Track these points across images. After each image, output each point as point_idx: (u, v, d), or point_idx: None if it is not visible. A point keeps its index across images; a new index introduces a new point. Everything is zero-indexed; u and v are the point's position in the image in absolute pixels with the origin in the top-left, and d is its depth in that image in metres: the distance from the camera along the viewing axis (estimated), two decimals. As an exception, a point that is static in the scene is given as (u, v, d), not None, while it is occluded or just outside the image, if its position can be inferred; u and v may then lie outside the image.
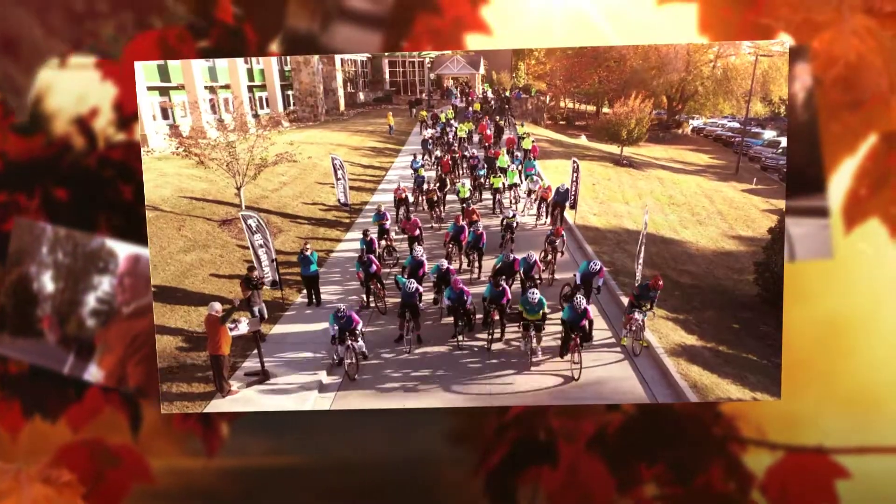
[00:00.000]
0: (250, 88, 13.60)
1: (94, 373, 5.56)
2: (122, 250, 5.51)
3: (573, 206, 11.51)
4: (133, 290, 5.57)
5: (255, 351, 7.56)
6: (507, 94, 16.16)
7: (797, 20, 5.14)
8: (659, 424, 5.47)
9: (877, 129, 5.09)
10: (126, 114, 5.40)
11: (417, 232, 9.80)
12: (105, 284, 5.55)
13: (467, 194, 11.18)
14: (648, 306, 7.91)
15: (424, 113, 15.18)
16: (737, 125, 14.13)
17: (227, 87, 12.97)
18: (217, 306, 7.11)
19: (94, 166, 5.37)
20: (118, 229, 5.55)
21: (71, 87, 5.22)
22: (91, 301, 5.55)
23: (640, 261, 8.85)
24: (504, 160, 12.19)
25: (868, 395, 5.27)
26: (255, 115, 12.90)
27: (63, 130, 5.34)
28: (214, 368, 7.06)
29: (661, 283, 8.05)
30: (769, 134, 13.35)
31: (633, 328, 7.93)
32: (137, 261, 5.54)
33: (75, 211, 5.45)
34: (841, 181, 5.29)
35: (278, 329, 8.46)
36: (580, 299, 7.22)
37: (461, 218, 9.85)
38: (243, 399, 7.06)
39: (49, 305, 5.54)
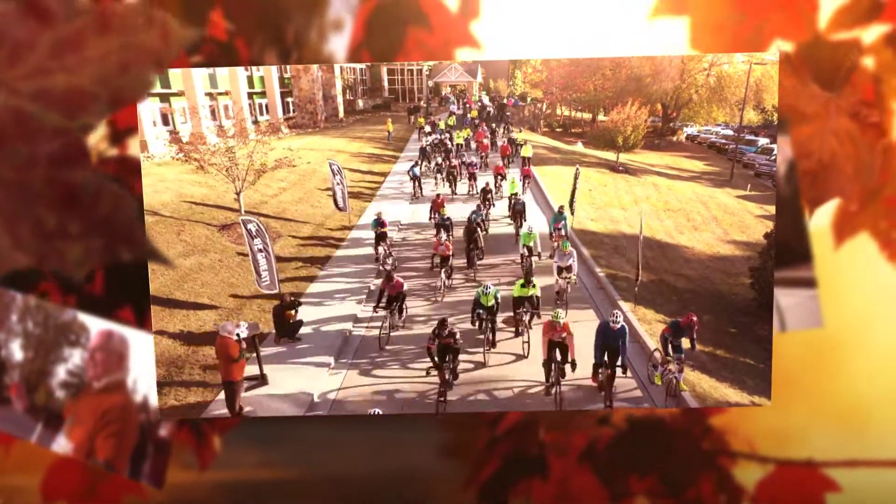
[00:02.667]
0: (250, 95, 13.68)
1: (62, 444, 5.54)
2: (95, 325, 5.49)
3: (571, 213, 11.58)
4: (105, 366, 5.53)
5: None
6: (505, 101, 16.32)
7: (784, 104, 5.19)
8: (649, 438, 5.50)
9: None
10: (120, 128, 5.21)
11: (397, 292, 8.51)
12: (76, 357, 5.53)
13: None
14: (684, 345, 7.09)
15: (422, 120, 15.28)
16: (730, 132, 14.29)
17: (227, 93, 13.06)
18: (229, 327, 6.80)
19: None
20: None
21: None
22: (61, 373, 5.53)
23: (639, 256, 8.85)
24: (515, 185, 11.75)
25: (858, 408, 5.32)
26: (255, 122, 13.00)
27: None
28: (227, 394, 6.89)
29: (695, 318, 7.19)
30: (762, 141, 13.50)
31: (671, 368, 7.14)
32: (110, 336, 5.50)
33: None
34: (831, 196, 5.39)
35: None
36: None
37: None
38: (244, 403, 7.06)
39: (17, 374, 5.50)
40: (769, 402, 5.59)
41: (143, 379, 5.49)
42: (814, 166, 5.14)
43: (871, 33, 5.09)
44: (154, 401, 5.64)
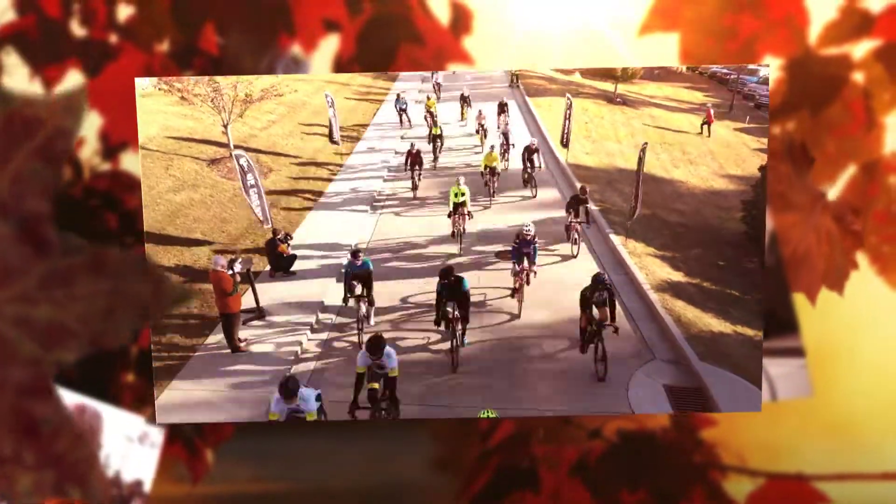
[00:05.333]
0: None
1: None
2: (70, 399, 5.29)
3: (565, 145, 11.42)
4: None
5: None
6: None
7: (774, 190, 5.19)
8: (640, 452, 5.55)
9: (857, 160, 5.13)
10: (113, 143, 5.22)
11: None
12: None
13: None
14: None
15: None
16: (733, 62, 13.85)
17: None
18: (221, 260, 6.77)
19: (79, 196, 5.05)
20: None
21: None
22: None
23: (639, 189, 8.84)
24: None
25: (849, 422, 5.37)
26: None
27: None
28: (224, 327, 6.93)
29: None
30: (764, 71, 13.12)
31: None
32: (83, 411, 5.33)
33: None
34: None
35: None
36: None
37: None
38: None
39: None
40: (752, 333, 5.74)
41: (115, 454, 5.10)
42: (788, 255, 5.19)
43: (861, 48, 5.04)
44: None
